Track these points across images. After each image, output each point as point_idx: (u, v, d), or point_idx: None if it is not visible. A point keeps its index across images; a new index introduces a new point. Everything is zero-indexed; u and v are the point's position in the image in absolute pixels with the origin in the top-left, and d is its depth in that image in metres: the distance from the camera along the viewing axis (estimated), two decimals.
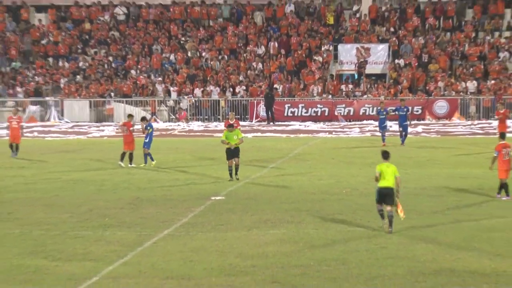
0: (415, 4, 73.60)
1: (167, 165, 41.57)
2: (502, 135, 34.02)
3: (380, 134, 49.26)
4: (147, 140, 40.85)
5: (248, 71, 69.88)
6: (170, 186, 35.50)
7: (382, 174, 26.93)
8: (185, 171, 39.51)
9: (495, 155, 31.53)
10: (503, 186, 31.60)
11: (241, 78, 69.11)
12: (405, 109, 49.66)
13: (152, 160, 41.06)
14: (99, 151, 48.79)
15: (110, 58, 71.78)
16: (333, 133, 58.87)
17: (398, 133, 49.41)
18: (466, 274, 21.54)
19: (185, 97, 67.69)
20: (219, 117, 65.49)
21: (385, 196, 26.95)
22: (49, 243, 25.42)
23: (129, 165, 40.95)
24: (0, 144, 53.15)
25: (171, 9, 74.62)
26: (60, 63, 71.31)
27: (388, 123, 50.53)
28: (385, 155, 27.54)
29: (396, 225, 27.22)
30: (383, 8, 74.20)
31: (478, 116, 64.48)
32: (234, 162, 35.34)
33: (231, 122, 39.00)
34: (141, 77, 69.31)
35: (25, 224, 28.32)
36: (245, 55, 71.47)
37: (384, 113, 49.70)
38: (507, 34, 70.96)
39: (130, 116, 43.46)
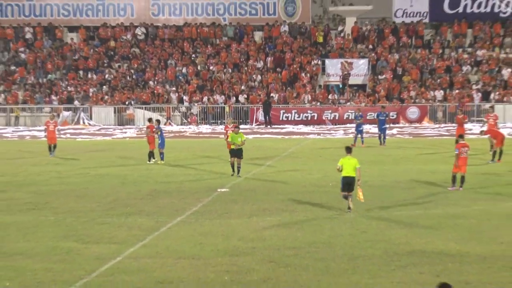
0: (391, 25, 73.58)
1: (180, 162, 41.60)
2: (461, 136, 34.24)
3: (354, 136, 49.13)
4: (160, 141, 40.90)
5: (249, 82, 69.90)
6: (183, 180, 35.54)
7: (344, 166, 27.63)
8: (195, 167, 39.53)
9: (456, 152, 31.66)
10: (461, 179, 31.68)
11: (243, 88, 69.12)
12: (384, 115, 49.70)
13: (154, 159, 41.04)
14: (122, 150, 48.78)
15: (132, 71, 71.72)
16: (321, 134, 58.83)
17: (377, 135, 49.38)
18: (435, 255, 21.65)
19: (195, 104, 67.71)
20: (224, 121, 65.44)
21: (348, 184, 27.71)
22: (79, 228, 25.54)
23: (148, 162, 40.96)
24: (38, 144, 53.16)
25: (184, 30, 74.50)
26: (89, 75, 71.30)
27: (367, 126, 50.51)
28: (348, 150, 28.42)
29: (374, 213, 27.34)
30: (364, 29, 74.15)
31: (445, 120, 64.55)
32: (236, 160, 35.29)
33: (230, 127, 39.24)
34: (158, 87, 69.28)
35: (59, 212, 28.40)
36: (246, 68, 71.44)
37: (360, 118, 49.75)
38: (469, 50, 70.93)
39: (151, 120, 43.63)
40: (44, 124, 47.91)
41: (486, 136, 41.54)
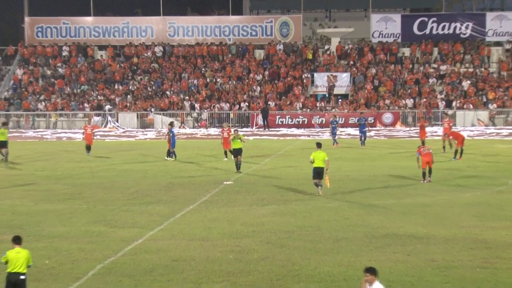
0: (369, 44, 73.55)
1: (192, 160, 41.56)
2: (422, 143, 34.81)
3: (332, 137, 49.10)
4: (171, 142, 40.99)
5: (250, 92, 69.88)
6: (194, 175, 35.55)
7: (315, 159, 28.58)
8: (204, 164, 39.55)
9: (418, 156, 31.84)
10: (429, 172, 31.75)
11: (245, 97, 69.08)
12: (363, 120, 49.68)
13: (171, 157, 40.99)
14: (143, 149, 48.80)
15: (151, 83, 71.72)
16: (310, 136, 58.83)
17: (358, 137, 49.35)
18: (406, 237, 21.69)
19: (205, 110, 67.72)
20: (230, 125, 65.34)
21: (317, 173, 28.66)
22: (107, 215, 25.56)
23: (166, 159, 40.99)
24: (73, 144, 53.16)
25: (195, 48, 74.48)
26: (116, 86, 71.29)
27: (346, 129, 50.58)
28: (318, 145, 29.91)
29: (355, 201, 27.31)
30: (346, 47, 74.13)
31: (414, 124, 64.50)
32: (237, 159, 35.25)
33: (225, 130, 39.41)
34: (173, 96, 69.26)
35: (90, 201, 28.42)
36: (247, 80, 71.42)
37: (335, 123, 49.87)
38: (434, 65, 70.93)
39: (171, 122, 43.77)
40: (83, 128, 47.94)
41: (450, 138, 41.68)
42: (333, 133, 49.01)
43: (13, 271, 15.04)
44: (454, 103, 66.26)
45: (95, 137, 49.17)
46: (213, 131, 64.22)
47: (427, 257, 19.47)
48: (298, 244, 20.97)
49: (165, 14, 76.39)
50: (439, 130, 57.20)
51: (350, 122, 63.07)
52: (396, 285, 17.15)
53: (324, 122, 65.28)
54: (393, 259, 19.31)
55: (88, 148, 44.17)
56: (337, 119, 54.79)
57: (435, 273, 18.08)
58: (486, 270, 18.37)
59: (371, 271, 12.98)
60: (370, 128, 58.98)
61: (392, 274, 17.98)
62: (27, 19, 75.61)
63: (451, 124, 46.04)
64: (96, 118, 65.95)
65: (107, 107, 68.37)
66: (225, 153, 40.49)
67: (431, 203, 27.09)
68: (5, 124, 43.70)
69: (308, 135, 59.88)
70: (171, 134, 40.96)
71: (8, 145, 39.86)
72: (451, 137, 41.45)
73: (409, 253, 19.92)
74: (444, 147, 42.34)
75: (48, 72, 73.14)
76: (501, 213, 25.16)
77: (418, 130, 48.07)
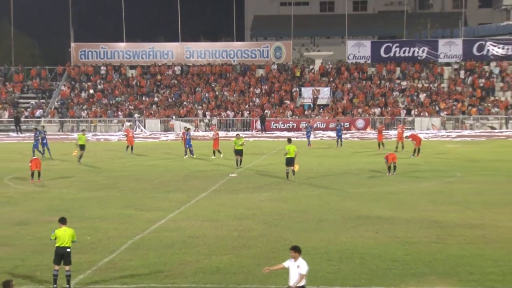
0: (345, 64, 73.49)
1: (204, 157, 41.50)
2: (379, 144, 37.28)
3: (306, 139, 48.80)
4: (188, 142, 40.92)
5: (250, 103, 69.81)
6: (206, 169, 35.49)
7: (288, 151, 30.17)
8: (214, 160, 39.51)
9: (385, 160, 31.90)
10: (393, 167, 31.72)
11: (246, 107, 69.01)
12: (340, 125, 49.65)
13: (186, 154, 40.83)
14: (165, 148, 48.73)
15: (172, 95, 71.61)
16: (299, 138, 58.79)
17: (335, 139, 49.19)
18: (375, 219, 21.69)
19: (214, 117, 67.65)
20: (234, 129, 65.31)
21: (290, 161, 30.14)
22: (136, 201, 25.55)
23: (185, 156, 40.94)
24: (110, 144, 53.08)
25: (207, 68, 74.45)
26: (143, 98, 71.22)
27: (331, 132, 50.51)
28: (289, 141, 32.06)
29: (334, 190, 27.30)
30: (327, 67, 74.03)
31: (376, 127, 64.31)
32: (239, 158, 35.08)
33: (214, 130, 39.60)
34: (189, 105, 69.17)
35: (123, 190, 28.40)
36: (248, 93, 71.36)
37: (309, 128, 50.06)
38: (397, 82, 70.89)
39: (186, 128, 43.70)
40: (125, 131, 47.93)
41: (409, 139, 41.65)
42: (307, 136, 48.97)
43: (60, 245, 15.06)
44: (413, 112, 66.24)
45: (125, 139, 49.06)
46: (220, 134, 63.99)
47: (391, 234, 19.47)
48: (289, 224, 20.98)
49: (183, 40, 76.35)
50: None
51: (330, 126, 62.96)
52: (367, 257, 17.13)
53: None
54: (365, 236, 19.31)
55: (131, 147, 43.83)
56: (311, 125, 55.55)
57: (398, 247, 18.09)
58: (439, 244, 18.39)
59: (296, 249, 12.75)
60: (346, 132, 59.06)
61: (364, 248, 17.98)
62: (73, 44, 75.53)
63: (403, 129, 46.02)
64: (127, 123, 65.87)
65: (136, 115, 68.27)
66: (214, 152, 40.57)
67: (395, 191, 27.10)
68: (83, 131, 43.48)
69: (297, 137, 59.79)
70: (187, 137, 40.91)
71: (85, 148, 39.32)
72: (410, 138, 41.40)
73: (377, 231, 19.92)
74: (396, 147, 41.85)
75: (89, 87, 73.07)
76: (451, 199, 25.21)
77: (383, 133, 47.98)
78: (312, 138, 50.90)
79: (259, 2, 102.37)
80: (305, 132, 50.58)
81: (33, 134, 43.53)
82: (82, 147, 38.23)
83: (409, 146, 41.61)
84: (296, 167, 30.28)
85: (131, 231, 20.25)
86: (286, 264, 12.63)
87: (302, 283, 12.41)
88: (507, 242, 18.56)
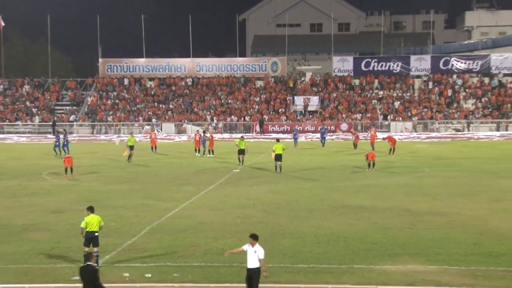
0: (332, 77, 73.33)
1: (214, 156, 41.47)
2: (354, 146, 40.43)
3: (293, 141, 48.17)
4: (203, 144, 40.84)
5: (251, 109, 69.67)
6: (213, 166, 35.38)
7: (276, 148, 31.23)
8: (220, 158, 39.41)
9: (366, 158, 32.01)
10: (373, 164, 31.70)
11: (247, 112, 68.88)
12: (324, 129, 49.58)
13: (204, 153, 40.82)
14: (179, 148, 48.66)
15: (185, 103, 71.48)
16: (292, 139, 58.67)
17: (320, 140, 48.80)
18: (357, 208, 21.67)
19: (220, 121, 67.52)
20: (237, 131, 65.15)
21: (278, 157, 31.02)
22: (154, 192, 25.49)
23: (197, 155, 40.84)
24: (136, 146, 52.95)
25: (214, 80, 74.28)
26: (160, 105, 71.08)
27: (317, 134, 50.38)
28: (277, 140, 33.00)
29: (322, 184, 27.21)
30: (316, 79, 73.85)
31: (361, 130, 64.26)
32: (241, 156, 34.73)
33: (197, 134, 41.30)
34: (199, 111, 69.06)
35: (143, 183, 28.31)
36: (249, 101, 71.22)
37: (296, 131, 49.94)
38: (375, 91, 70.78)
39: (198, 131, 43.68)
40: (146, 133, 47.77)
41: (386, 140, 41.62)
42: (295, 138, 48.83)
43: (89, 230, 15.07)
44: (388, 117, 66.14)
45: (146, 140, 49.08)
46: (226, 136, 64.03)
47: (371, 221, 19.45)
48: (284, 213, 20.95)
49: (194, 56, 76.23)
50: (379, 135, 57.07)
51: (318, 129, 62.69)
52: (350, 240, 17.11)
53: (301, 129, 65.02)
54: (348, 223, 19.29)
55: (154, 147, 43.42)
56: (298, 128, 55.25)
57: (376, 232, 18.06)
58: (411, 230, 18.38)
59: (254, 237, 12.49)
60: (332, 134, 59.02)
61: (347, 233, 17.95)
62: (100, 60, 75.42)
63: (376, 133, 45.92)
64: (147, 127, 65.79)
65: (154, 119, 68.17)
66: (196, 150, 40.67)
67: (374, 184, 27.06)
68: (131, 133, 43.22)
69: (290, 138, 59.66)
70: (202, 139, 40.90)
71: (134, 148, 38.52)
72: (387, 139, 41.31)
73: (359, 218, 19.90)
74: (390, 149, 41.34)
75: (114, 96, 72.98)
76: (421, 191, 25.18)
77: (364, 134, 47.87)
78: (302, 139, 50.78)
79: (259, 24, 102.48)
80: (293, 135, 50.37)
81: (55, 137, 43.65)
82: (131, 147, 37.85)
83: (385, 146, 41.58)
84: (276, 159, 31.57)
85: (149, 218, 20.22)
86: (245, 247, 12.44)
87: (257, 265, 12.21)
88: (469, 227, 18.56)
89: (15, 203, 23.26)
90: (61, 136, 41.64)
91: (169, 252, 16.21)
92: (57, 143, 41.01)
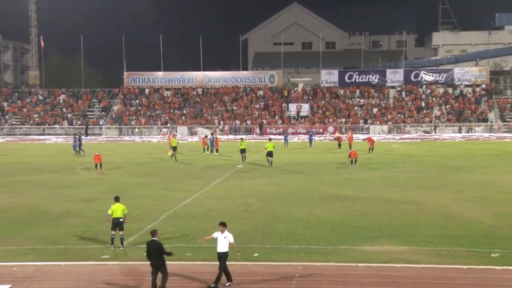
0: (320, 87, 73.13)
1: (219, 153, 41.39)
2: (339, 145, 39.22)
3: (284, 141, 48.09)
4: (211, 144, 40.75)
5: (252, 114, 69.52)
6: (220, 163, 35.32)
7: (268, 146, 31.36)
8: (226, 156, 39.35)
9: (348, 156, 31.99)
10: (355, 161, 31.65)
11: (249, 117, 68.76)
12: (312, 131, 49.52)
13: (212, 152, 40.74)
14: (191, 147, 48.55)
15: (196, 109, 71.34)
16: (283, 140, 58.62)
17: (308, 141, 48.67)
18: (341, 197, 21.59)
19: (226, 124, 67.36)
20: (240, 133, 64.94)
21: (270, 154, 31.14)
22: (170, 184, 25.42)
23: (204, 153, 40.74)
24: (151, 145, 52.84)
25: (221, 89, 74.13)
26: (175, 111, 70.97)
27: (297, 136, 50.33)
28: (270, 139, 32.88)
29: (312, 177, 27.13)
30: (307, 89, 73.72)
31: (344, 132, 64.07)
32: (243, 155, 34.55)
33: (213, 137, 40.47)
34: (209, 117, 68.94)
35: (161, 177, 28.25)
36: (250, 108, 71.07)
37: (286, 133, 49.89)
38: (357, 100, 70.58)
39: (211, 133, 43.47)
40: (163, 135, 47.53)
41: (366, 141, 41.56)
42: (285, 139, 48.61)
43: (115, 216, 15.07)
44: (368, 121, 66.06)
45: (164, 141, 48.87)
46: (231, 137, 63.93)
47: (353, 209, 19.41)
48: (280, 202, 20.90)
49: (204, 70, 76.13)
50: (360, 137, 56.98)
51: (309, 132, 62.62)
52: (336, 225, 17.07)
53: (294, 132, 65.02)
54: (334, 210, 19.24)
55: (173, 148, 43.42)
56: (288, 131, 55.40)
57: (358, 218, 18.03)
58: (387, 216, 18.34)
59: (223, 224, 12.42)
60: (320, 135, 58.88)
61: (334, 219, 17.91)
62: (125, 73, 75.27)
63: (352, 135, 45.77)
64: (164, 130, 65.69)
65: (169, 123, 68.05)
66: (204, 149, 40.55)
67: (356, 178, 27.00)
68: (175, 135, 42.70)
69: (282, 139, 59.59)
70: (211, 140, 40.75)
71: (177, 149, 37.61)
72: (366, 140, 41.23)
73: (343, 206, 19.85)
74: (350, 147, 41.14)
75: (137, 103, 72.87)
76: (395, 183, 25.10)
77: (345, 136, 47.68)
78: (295, 140, 50.59)
79: (258, 43, 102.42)
80: (284, 136, 50.21)
81: (73, 138, 43.32)
82: (174, 148, 37.15)
83: (365, 146, 41.51)
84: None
85: (166, 206, 20.19)
86: (215, 235, 12.33)
87: (226, 249, 12.14)
88: (435, 214, 18.53)
89: (53, 194, 23.25)
90: (77, 137, 41.48)
91: (183, 235, 16.18)
92: (74, 144, 40.81)
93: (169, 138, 45.54)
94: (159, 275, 11.63)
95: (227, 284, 12.13)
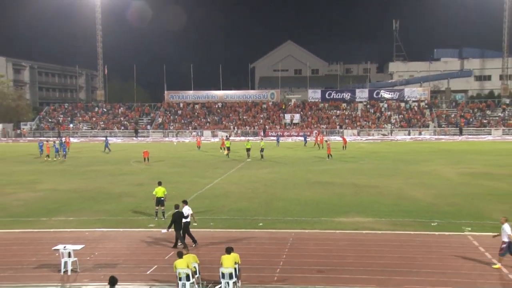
0: (308, 102, 72.70)
1: (233, 151, 41.05)
2: (320, 146, 37.45)
3: (276, 141, 47.42)
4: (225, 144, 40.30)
5: (258, 122, 69.19)
6: (234, 158, 35.17)
7: (262, 145, 31.01)
8: (238, 152, 39.11)
9: (328, 155, 31.56)
10: (331, 156, 31.41)
11: (255, 124, 68.50)
12: (305, 134, 49.10)
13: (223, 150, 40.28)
14: (213, 146, 48.33)
15: (216, 118, 71.09)
16: (283, 140, 58.35)
17: (302, 142, 48.48)
18: (324, 183, 21.40)
19: (239, 130, 66.99)
20: (249, 135, 64.62)
21: (262, 150, 30.98)
22: (198, 172, 25.24)
23: (220, 151, 40.35)
24: (184, 144, 52.70)
25: (235, 104, 73.84)
26: (202, 120, 70.70)
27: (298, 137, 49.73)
28: (261, 139, 31.46)
29: (302, 167, 27.00)
30: (298, 103, 73.34)
31: (325, 135, 63.59)
32: (248, 153, 33.87)
33: (224, 139, 38.14)
34: (226, 123, 68.67)
35: (191, 167, 28.04)
36: (257, 117, 70.80)
37: (277, 136, 49.46)
38: (334, 111, 70.12)
39: (223, 136, 43.07)
40: (196, 137, 47.03)
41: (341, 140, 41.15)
42: (277, 141, 47.84)
43: (158, 196, 15.09)
44: (342, 127, 65.73)
45: (194, 141, 48.51)
46: (242, 138, 63.63)
47: (332, 191, 19.29)
48: (278, 186, 20.82)
49: (223, 89, 76.00)
50: (325, 139, 56.47)
51: (300, 135, 62.28)
52: (320, 203, 17.00)
53: (289, 134, 64.57)
54: (318, 192, 19.14)
55: (198, 147, 42.32)
56: (279, 134, 54.56)
57: (336, 198, 17.94)
58: (356, 196, 18.23)
59: (184, 202, 12.74)
60: (312, 137, 58.47)
61: (318, 198, 17.82)
62: (166, 92, 75.29)
63: (323, 136, 45.23)
64: (194, 133, 65.60)
65: (197, 129, 67.85)
66: (222, 148, 39.21)
67: (333, 168, 26.83)
68: (227, 137, 41.20)
69: (282, 140, 59.44)
70: (226, 140, 40.38)
71: (230, 149, 36.42)
72: (341, 139, 40.82)
73: (325, 189, 19.75)
74: (317, 146, 40.54)
75: (174, 114, 72.81)
76: (362, 172, 24.94)
77: (326, 139, 47.25)
78: (289, 140, 50.12)
79: (263, 69, 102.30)
80: (276, 138, 49.81)
81: (104, 139, 42.19)
82: (228, 148, 36.32)
83: (340, 144, 41.17)
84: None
85: (196, 188, 20.16)
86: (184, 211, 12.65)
87: (188, 219, 12.38)
88: (392, 195, 18.42)
89: (113, 179, 23.31)
90: (105, 139, 41.09)
91: (208, 210, 16.19)
92: (105, 143, 39.85)
93: (222, 141, 44.21)
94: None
95: (193, 246, 12.29)
